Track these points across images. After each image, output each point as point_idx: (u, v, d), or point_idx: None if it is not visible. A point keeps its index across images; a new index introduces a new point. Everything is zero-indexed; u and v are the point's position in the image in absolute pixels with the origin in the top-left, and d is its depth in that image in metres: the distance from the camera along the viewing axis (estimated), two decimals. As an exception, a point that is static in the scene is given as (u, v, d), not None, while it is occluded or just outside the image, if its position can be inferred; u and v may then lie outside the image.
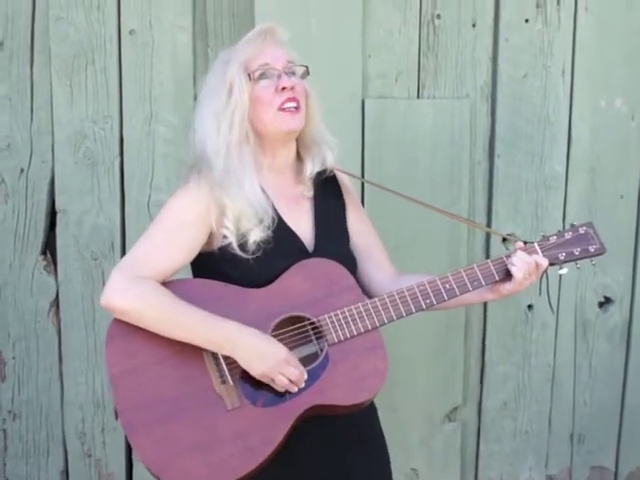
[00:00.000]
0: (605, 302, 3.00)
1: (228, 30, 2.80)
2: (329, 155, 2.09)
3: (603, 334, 3.02)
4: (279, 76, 1.96)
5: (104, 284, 1.94)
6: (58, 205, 2.87)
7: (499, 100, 2.85)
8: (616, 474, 3.12)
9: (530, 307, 2.95)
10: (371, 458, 2.17)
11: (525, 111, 2.86)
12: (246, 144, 1.97)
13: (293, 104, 1.96)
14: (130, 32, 2.77)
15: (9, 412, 3.01)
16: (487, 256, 2.91)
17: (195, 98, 2.79)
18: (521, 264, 2.00)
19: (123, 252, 2.85)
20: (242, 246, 1.95)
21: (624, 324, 3.02)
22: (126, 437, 1.92)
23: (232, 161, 1.95)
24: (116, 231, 2.88)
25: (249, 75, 1.95)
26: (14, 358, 2.97)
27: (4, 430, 3.02)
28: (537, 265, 2.02)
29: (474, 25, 2.83)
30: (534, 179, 2.89)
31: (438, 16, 2.81)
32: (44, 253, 2.92)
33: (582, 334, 3.01)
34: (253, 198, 1.95)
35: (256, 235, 1.95)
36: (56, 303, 2.94)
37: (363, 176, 2.81)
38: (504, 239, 2.90)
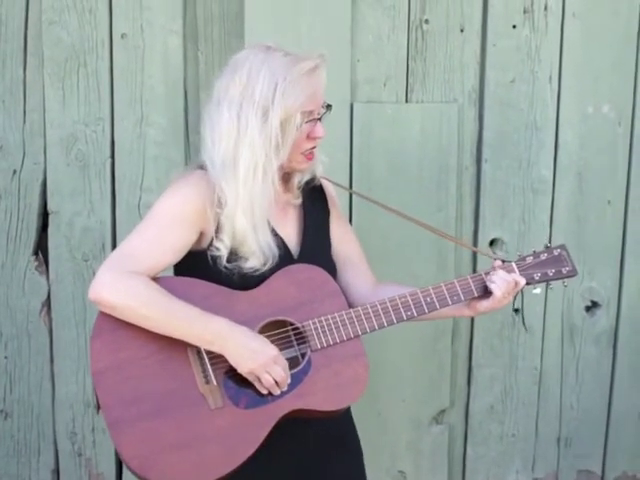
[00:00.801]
0: (592, 306, 3.02)
1: (218, 34, 2.82)
2: (319, 167, 2.12)
3: (590, 338, 3.04)
4: (315, 122, 1.99)
5: (94, 283, 1.94)
6: (50, 206, 2.90)
7: (487, 105, 2.87)
8: (602, 478, 3.13)
9: (517, 311, 2.96)
10: (349, 461, 2.19)
11: (512, 116, 2.88)
12: (275, 183, 1.97)
13: (315, 150, 2.03)
14: (122, 36, 2.80)
15: (1, 411, 3.04)
16: (474, 264, 2.94)
17: (185, 100, 2.84)
18: (501, 282, 2.04)
19: (114, 253, 2.87)
20: (232, 259, 1.96)
21: (611, 328, 3.04)
22: (113, 435, 1.94)
23: (257, 197, 1.94)
24: (107, 232, 2.90)
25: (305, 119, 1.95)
26: (6, 357, 3.00)
27: (-5, 429, 3.07)
28: (515, 284, 2.06)
29: (462, 30, 2.85)
30: (521, 184, 2.91)
31: (426, 21, 2.83)
32: (36, 254, 2.94)
33: (569, 338, 3.03)
34: (265, 245, 1.97)
35: (253, 264, 1.97)
36: (47, 303, 2.96)
37: (351, 180, 2.84)
38: (491, 243, 2.93)
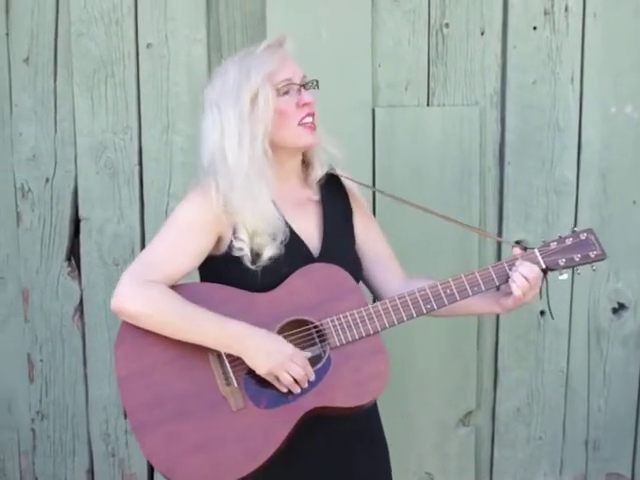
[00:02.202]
0: (619, 308, 2.99)
1: (241, 42, 2.86)
2: (337, 154, 2.14)
3: (617, 341, 3.00)
4: (299, 91, 2.03)
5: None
6: (81, 213, 2.97)
7: (508, 107, 2.86)
8: (632, 481, 3.10)
9: (543, 313, 2.94)
10: (374, 458, 2.21)
11: (535, 118, 2.87)
12: (266, 158, 2.00)
13: (311, 119, 2.04)
14: (147, 46, 2.87)
15: (37, 412, 3.12)
16: (499, 260, 2.91)
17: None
18: (521, 281, 2.02)
19: (143, 258, 2.93)
20: (254, 260, 2.00)
21: (638, 330, 2.99)
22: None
23: (252, 176, 1.98)
24: (136, 237, 2.96)
25: (276, 89, 1.99)
26: (41, 360, 3.08)
27: (33, 430, 3.14)
28: (536, 280, 2.03)
29: (482, 33, 2.85)
30: (544, 186, 2.90)
31: (446, 25, 2.84)
32: (68, 259, 3.02)
33: (596, 341, 3.00)
34: (269, 215, 2.00)
35: (270, 252, 2.00)
36: (80, 308, 3.04)
37: (374, 183, 2.86)
38: (517, 242, 2.91)
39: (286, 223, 2.04)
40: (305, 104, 2.02)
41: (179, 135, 2.91)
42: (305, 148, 2.09)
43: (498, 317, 2.98)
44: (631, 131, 2.88)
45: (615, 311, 2.99)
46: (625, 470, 3.09)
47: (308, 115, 2.03)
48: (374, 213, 2.83)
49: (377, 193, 2.80)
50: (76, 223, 3.00)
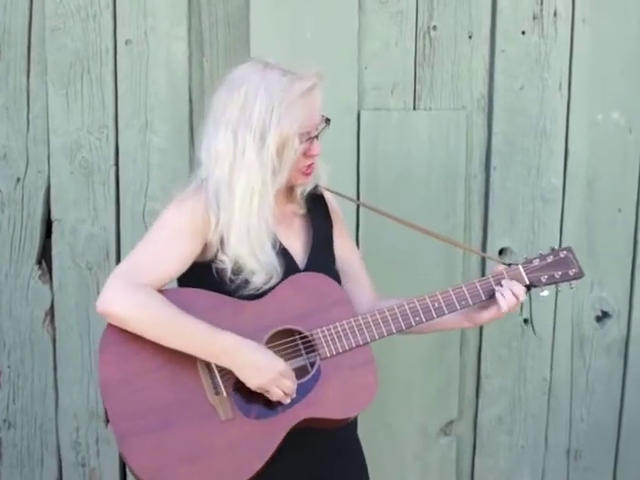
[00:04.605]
0: (602, 317, 2.99)
1: (223, 40, 2.80)
2: (323, 177, 2.11)
3: (600, 349, 3.00)
4: (311, 140, 1.97)
5: (99, 293, 1.92)
6: (54, 214, 2.88)
7: (495, 112, 2.84)
8: (613, 491, 3.10)
9: (526, 321, 2.93)
10: (355, 471, 2.19)
11: (521, 123, 2.85)
12: (270, 208, 1.96)
13: (313, 167, 2.02)
14: (126, 42, 2.78)
15: (4, 421, 3.02)
16: (483, 271, 2.90)
17: (190, 107, 2.82)
18: (510, 297, 2.02)
19: (118, 261, 2.85)
20: (238, 272, 1.95)
21: (622, 339, 3.00)
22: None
23: (253, 225, 1.93)
24: (111, 240, 2.88)
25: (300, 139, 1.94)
26: (9, 367, 2.98)
27: (-1, 438, 3.05)
28: (522, 296, 2.05)
29: (470, 37, 2.82)
30: (531, 192, 2.88)
31: (434, 27, 2.81)
32: (39, 262, 2.93)
33: (579, 349, 3.00)
34: (266, 262, 1.95)
35: (258, 280, 1.96)
36: (51, 312, 2.94)
37: (358, 187, 2.82)
38: (500, 252, 2.89)
39: (280, 244, 2.00)
40: (313, 155, 1.98)
41: (157, 135, 2.83)
42: (298, 185, 2.07)
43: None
44: (618, 138, 2.88)
45: (599, 319, 2.99)
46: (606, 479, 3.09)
47: (312, 165, 2.01)
48: (358, 222, 2.82)
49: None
50: (48, 224, 2.91)
